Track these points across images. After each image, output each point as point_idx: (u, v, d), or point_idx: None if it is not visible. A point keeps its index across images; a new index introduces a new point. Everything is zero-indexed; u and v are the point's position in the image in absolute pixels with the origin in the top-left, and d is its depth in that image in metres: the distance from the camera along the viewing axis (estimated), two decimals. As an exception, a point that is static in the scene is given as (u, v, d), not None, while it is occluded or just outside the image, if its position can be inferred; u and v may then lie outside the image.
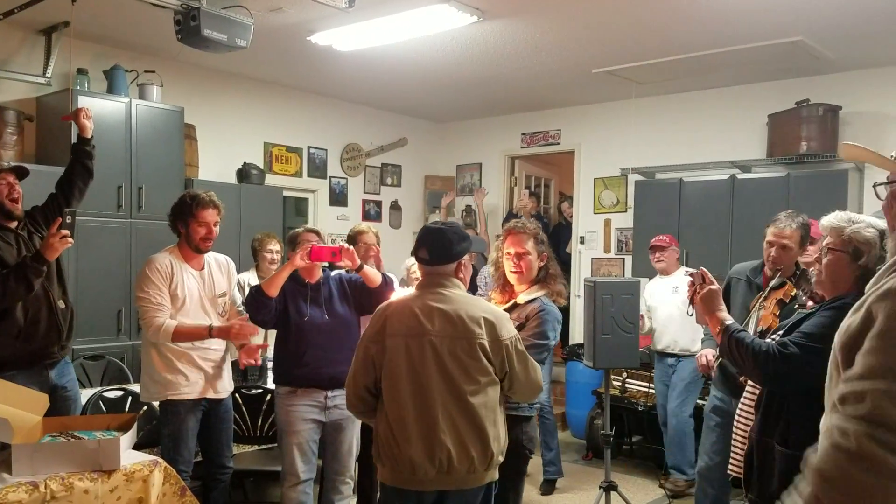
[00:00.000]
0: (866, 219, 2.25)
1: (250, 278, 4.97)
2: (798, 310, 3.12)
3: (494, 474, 2.58)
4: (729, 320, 2.41)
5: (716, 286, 2.49)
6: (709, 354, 3.86)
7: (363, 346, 2.60)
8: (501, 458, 2.58)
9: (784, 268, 3.43)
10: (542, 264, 3.18)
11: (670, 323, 5.08)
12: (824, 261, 2.28)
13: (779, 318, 3.20)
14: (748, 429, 2.50)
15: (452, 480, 2.48)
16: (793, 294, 3.29)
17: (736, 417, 2.69)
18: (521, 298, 3.11)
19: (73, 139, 5.06)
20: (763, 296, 3.37)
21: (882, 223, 2.22)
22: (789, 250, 3.38)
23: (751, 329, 3.28)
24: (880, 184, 1.64)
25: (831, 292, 2.29)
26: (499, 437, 2.55)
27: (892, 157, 1.59)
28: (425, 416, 2.46)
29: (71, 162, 3.77)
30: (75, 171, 3.74)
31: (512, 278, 3.19)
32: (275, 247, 5.09)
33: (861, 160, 1.72)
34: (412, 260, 5.55)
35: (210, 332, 3.46)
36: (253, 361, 3.60)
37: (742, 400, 2.68)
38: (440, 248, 2.59)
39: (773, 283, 3.38)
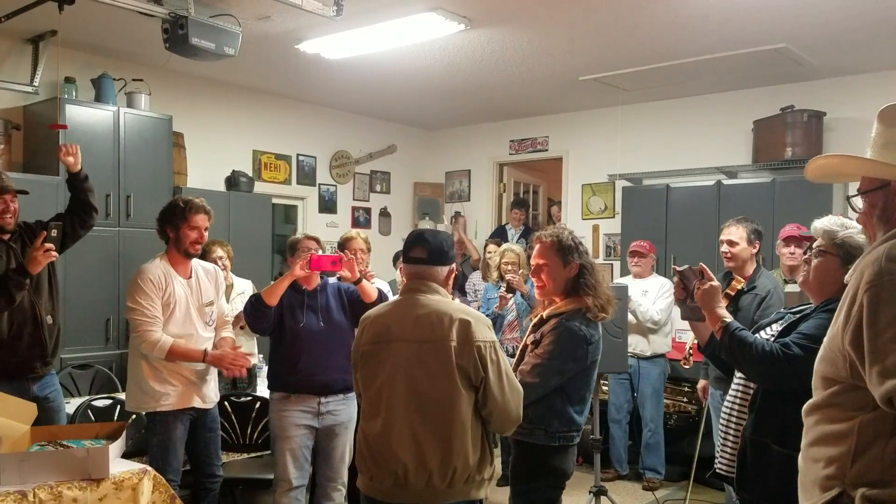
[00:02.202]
0: (859, 225, 2.27)
1: None
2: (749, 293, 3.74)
3: (470, 493, 2.34)
4: (728, 318, 2.34)
5: (716, 282, 2.42)
6: (700, 386, 4.53)
7: (351, 359, 2.54)
8: (479, 478, 2.36)
9: (738, 263, 3.95)
10: (571, 275, 2.80)
11: (635, 325, 5.23)
12: (814, 262, 2.27)
13: (735, 307, 3.65)
14: (739, 427, 2.46)
15: (409, 494, 2.31)
16: (739, 287, 3.64)
17: (724, 416, 2.59)
18: (546, 313, 2.82)
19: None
20: None
21: None
22: (736, 245, 3.94)
23: None
24: (853, 195, 1.66)
25: (818, 295, 2.29)
26: (466, 454, 2.30)
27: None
28: (386, 424, 2.33)
29: (70, 196, 3.79)
30: (73, 203, 3.77)
31: (537, 292, 2.93)
32: (219, 253, 4.81)
33: (827, 176, 1.74)
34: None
35: (204, 358, 3.45)
36: (237, 373, 3.55)
37: (728, 398, 2.59)
38: (439, 248, 2.44)
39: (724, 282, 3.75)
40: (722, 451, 2.58)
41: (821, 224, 2.31)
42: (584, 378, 2.78)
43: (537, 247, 2.86)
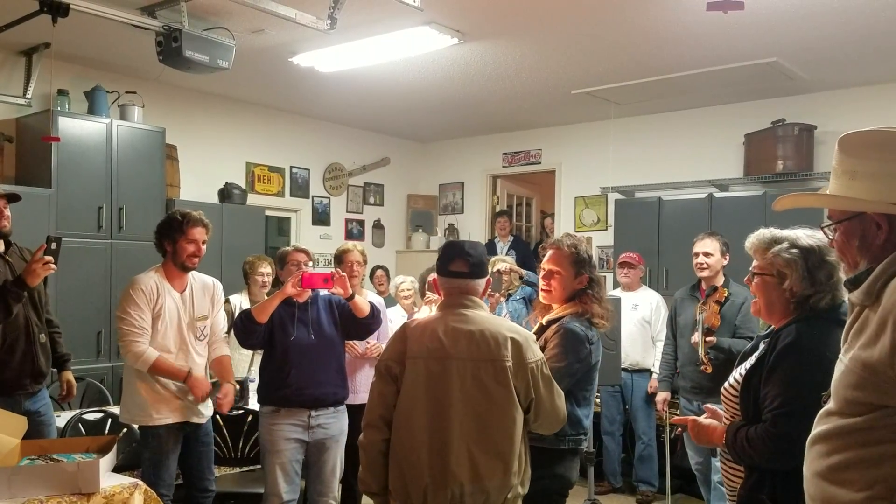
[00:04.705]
0: (791, 235, 2.20)
1: (242, 301, 4.94)
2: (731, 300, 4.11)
3: None
4: (721, 427, 2.24)
5: (690, 418, 2.35)
6: (660, 399, 4.79)
7: (384, 367, 2.42)
8: (522, 492, 2.38)
9: (713, 273, 4.25)
10: (579, 287, 2.79)
11: (625, 338, 5.19)
12: (753, 284, 2.24)
13: (720, 315, 4.04)
14: (736, 485, 2.30)
15: None
16: (726, 295, 4.09)
17: (722, 472, 2.56)
18: (545, 319, 2.83)
19: (54, 161, 5.07)
20: (703, 302, 4.14)
21: (808, 239, 2.16)
22: (710, 256, 4.24)
23: (700, 329, 4.01)
24: (826, 225, 1.65)
25: (768, 318, 2.25)
26: (520, 472, 2.34)
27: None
28: (439, 445, 2.28)
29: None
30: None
31: (542, 296, 2.90)
32: (266, 269, 5.00)
33: (798, 207, 1.72)
34: (401, 279, 5.59)
35: (186, 379, 3.39)
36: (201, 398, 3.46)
37: (721, 454, 2.56)
38: (480, 262, 2.42)
39: (707, 291, 4.21)
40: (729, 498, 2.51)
41: (749, 242, 2.28)
42: (587, 379, 2.80)
43: (552, 252, 2.84)
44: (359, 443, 2.47)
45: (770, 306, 2.22)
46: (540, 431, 2.47)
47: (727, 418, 2.27)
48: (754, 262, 2.27)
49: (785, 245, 2.18)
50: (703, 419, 2.31)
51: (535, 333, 2.84)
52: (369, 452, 2.42)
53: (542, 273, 2.89)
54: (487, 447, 2.29)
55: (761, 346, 2.26)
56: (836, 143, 1.59)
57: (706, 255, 4.26)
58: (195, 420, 3.53)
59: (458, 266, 2.42)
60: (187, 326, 3.52)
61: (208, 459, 3.65)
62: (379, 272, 6.87)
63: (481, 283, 2.47)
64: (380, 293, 6.54)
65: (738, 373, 2.28)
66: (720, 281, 4.26)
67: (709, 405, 2.38)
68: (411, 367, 2.36)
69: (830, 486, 1.53)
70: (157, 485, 3.29)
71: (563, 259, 2.80)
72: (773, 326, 2.27)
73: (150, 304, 3.40)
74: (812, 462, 1.58)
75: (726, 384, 2.33)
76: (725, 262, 4.29)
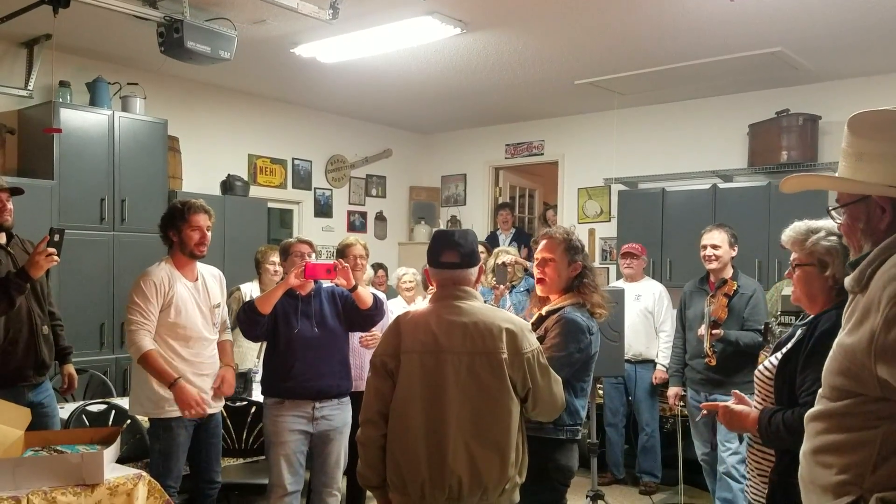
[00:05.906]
0: (827, 224, 2.22)
1: (253, 290, 4.94)
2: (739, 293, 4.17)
3: (513, 497, 2.38)
4: (755, 413, 2.22)
5: (721, 404, 2.31)
6: (672, 393, 4.71)
7: (379, 362, 2.41)
8: (520, 480, 2.38)
9: (722, 266, 4.26)
10: (574, 274, 2.84)
11: (628, 329, 5.17)
12: (794, 276, 2.27)
13: (727, 308, 4.08)
14: (767, 469, 2.29)
15: None
16: (735, 288, 4.14)
17: (747, 458, 2.47)
18: (545, 309, 2.85)
19: (56, 153, 5.07)
20: (712, 295, 4.17)
21: None
22: (718, 248, 4.26)
23: (706, 322, 4.06)
24: (834, 208, 1.65)
25: (811, 306, 2.28)
26: (517, 462, 2.35)
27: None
28: (436, 439, 2.28)
29: None
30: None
31: (537, 287, 2.93)
32: (277, 258, 5.03)
33: (804, 188, 1.72)
34: (403, 270, 5.59)
35: (172, 385, 3.26)
36: (190, 414, 3.32)
37: (750, 439, 2.43)
38: (471, 251, 2.42)
39: (717, 284, 4.21)
40: (754, 496, 2.48)
41: (787, 236, 2.30)
42: (585, 369, 2.82)
43: (546, 242, 2.89)
44: (357, 439, 2.47)
45: (812, 296, 2.24)
46: (539, 419, 2.49)
47: (758, 402, 2.27)
48: (793, 255, 2.28)
49: (822, 234, 2.20)
50: (734, 405, 2.30)
51: (533, 324, 2.86)
52: (368, 449, 2.42)
53: (536, 262, 2.93)
54: (485, 441, 2.29)
55: (798, 332, 2.27)
56: (846, 124, 1.57)
57: (714, 247, 4.27)
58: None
59: (450, 257, 2.41)
60: (203, 314, 3.51)
61: (216, 451, 3.64)
62: (379, 272, 6.70)
63: (473, 272, 2.46)
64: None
65: (773, 357, 2.30)
66: (729, 273, 4.26)
67: (736, 391, 2.37)
68: (406, 361, 2.35)
69: (815, 467, 1.55)
70: (166, 476, 3.28)
71: (556, 246, 2.85)
72: (809, 314, 2.28)
73: (159, 295, 3.38)
74: (805, 440, 1.60)
75: (760, 368, 2.34)
76: (734, 254, 4.29)
